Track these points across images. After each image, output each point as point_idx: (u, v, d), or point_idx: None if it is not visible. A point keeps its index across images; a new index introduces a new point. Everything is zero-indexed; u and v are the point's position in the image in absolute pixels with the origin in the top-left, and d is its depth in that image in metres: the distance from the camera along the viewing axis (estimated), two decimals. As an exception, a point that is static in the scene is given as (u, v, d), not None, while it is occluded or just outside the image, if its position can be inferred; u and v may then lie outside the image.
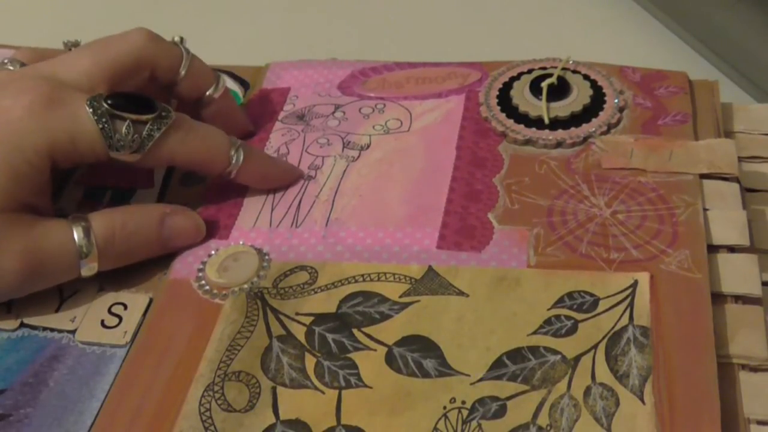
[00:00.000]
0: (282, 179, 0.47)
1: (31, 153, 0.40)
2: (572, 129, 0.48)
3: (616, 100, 0.49)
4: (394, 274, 0.42)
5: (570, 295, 0.40)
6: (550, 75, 0.50)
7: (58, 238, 0.41)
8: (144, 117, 0.42)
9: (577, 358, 0.38)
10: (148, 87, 0.46)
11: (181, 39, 0.48)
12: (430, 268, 0.42)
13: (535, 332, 0.39)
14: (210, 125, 0.46)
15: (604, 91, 0.50)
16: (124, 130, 0.42)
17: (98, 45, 0.45)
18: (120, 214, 0.43)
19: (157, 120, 0.42)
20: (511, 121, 0.49)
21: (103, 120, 0.41)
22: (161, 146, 0.43)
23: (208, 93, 0.48)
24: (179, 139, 0.43)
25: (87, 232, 0.41)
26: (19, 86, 0.41)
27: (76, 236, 0.41)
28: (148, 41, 0.45)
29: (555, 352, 0.38)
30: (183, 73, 0.47)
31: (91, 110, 0.41)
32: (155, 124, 0.42)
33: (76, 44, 0.48)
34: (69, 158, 0.42)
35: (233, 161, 0.45)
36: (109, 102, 0.42)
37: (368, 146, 0.49)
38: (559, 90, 0.50)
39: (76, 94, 0.42)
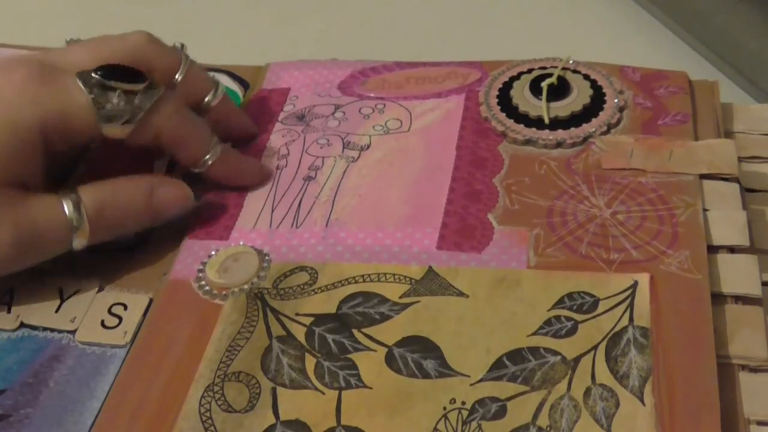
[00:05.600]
0: (252, 177, 0.48)
1: (22, 128, 0.40)
2: (572, 129, 0.48)
3: (616, 100, 0.49)
4: (394, 275, 0.42)
5: (570, 295, 0.40)
6: (550, 75, 0.50)
7: (48, 212, 0.41)
8: (135, 87, 0.42)
9: (577, 359, 0.38)
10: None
11: (182, 45, 0.48)
12: (430, 268, 0.42)
13: (535, 333, 0.39)
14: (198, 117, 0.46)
15: (604, 91, 0.50)
16: (115, 100, 0.42)
17: (96, 41, 0.45)
18: (109, 186, 0.43)
19: (147, 91, 0.42)
20: (511, 121, 0.49)
21: (95, 90, 0.41)
22: (150, 120, 0.43)
23: (206, 99, 0.48)
24: (167, 115, 0.43)
25: (77, 205, 0.41)
26: (10, 65, 0.42)
27: (66, 210, 0.41)
28: (147, 42, 0.45)
29: (555, 352, 0.38)
30: (179, 78, 0.46)
31: (81, 82, 0.41)
32: (145, 95, 0.42)
33: (76, 42, 0.48)
34: (61, 134, 0.42)
35: (212, 151, 0.45)
36: (99, 73, 0.42)
37: (368, 146, 0.49)
38: (559, 90, 0.50)
39: (66, 72, 0.42)
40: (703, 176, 0.45)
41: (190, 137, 0.45)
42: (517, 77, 0.52)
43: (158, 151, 0.46)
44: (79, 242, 0.42)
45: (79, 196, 0.42)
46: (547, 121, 0.49)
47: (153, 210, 0.44)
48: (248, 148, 0.50)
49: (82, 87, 0.41)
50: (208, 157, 0.45)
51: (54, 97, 0.41)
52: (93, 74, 0.42)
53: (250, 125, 0.51)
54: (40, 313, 0.42)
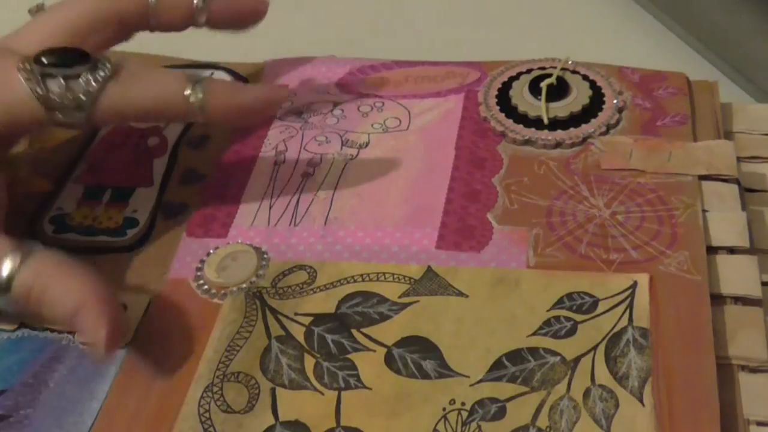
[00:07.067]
0: (261, 109, 0.44)
1: None
2: (571, 129, 0.48)
3: (615, 101, 0.49)
4: (393, 275, 0.42)
5: (569, 296, 0.40)
6: (550, 75, 0.50)
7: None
8: (75, 70, 0.39)
9: (576, 360, 0.38)
10: (125, 37, 0.45)
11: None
12: (430, 268, 0.42)
13: (534, 333, 0.39)
14: (160, 69, 0.43)
15: (603, 91, 0.50)
16: (56, 88, 0.39)
17: (53, 11, 0.43)
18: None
19: (91, 71, 0.40)
20: (510, 121, 0.49)
21: (34, 81, 0.39)
22: (104, 101, 0.40)
23: (195, 2, 0.45)
24: (120, 92, 0.40)
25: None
26: None
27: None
28: None
29: (554, 353, 0.38)
30: (155, 21, 0.44)
31: (21, 73, 0.39)
32: (90, 76, 0.39)
33: (41, 7, 0.45)
34: (6, 129, 0.40)
35: (191, 101, 0.41)
36: (40, 60, 0.39)
37: (367, 144, 0.49)
38: (559, 90, 0.50)
39: (9, 61, 0.40)
40: (702, 177, 0.45)
41: (158, 102, 0.41)
42: (517, 77, 0.52)
43: (160, 150, 0.45)
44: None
45: None
46: (546, 121, 0.48)
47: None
48: (245, 142, 0.50)
49: (21, 79, 0.39)
50: (191, 109, 0.41)
51: None
52: (33, 64, 0.39)
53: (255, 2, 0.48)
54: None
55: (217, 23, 0.47)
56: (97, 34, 0.44)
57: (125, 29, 0.46)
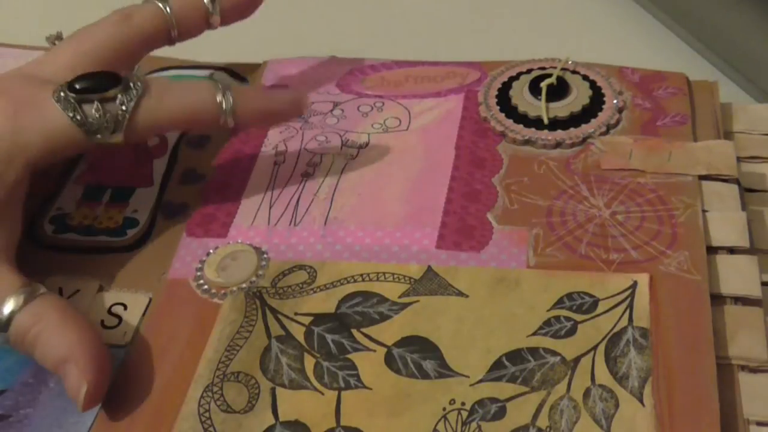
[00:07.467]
0: (287, 112, 0.46)
1: (1, 164, 0.40)
2: (571, 129, 0.48)
3: (615, 101, 0.49)
4: (393, 274, 0.42)
5: (569, 296, 0.40)
6: (550, 75, 0.50)
7: None
8: (110, 93, 0.41)
9: (576, 360, 0.38)
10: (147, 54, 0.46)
11: None
12: (430, 268, 0.42)
13: (534, 333, 0.39)
14: (187, 80, 0.45)
15: (603, 91, 0.50)
16: (94, 112, 0.41)
17: (76, 38, 0.45)
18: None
19: (125, 92, 0.41)
20: (510, 121, 0.49)
21: (71, 109, 0.41)
22: (139, 118, 0.41)
23: (206, 5, 0.47)
24: (155, 105, 0.42)
25: None
26: None
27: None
28: (119, 21, 0.45)
29: (554, 353, 0.38)
30: (175, 33, 0.46)
31: (57, 103, 0.41)
32: (125, 97, 0.41)
33: (59, 37, 0.47)
34: (48, 156, 0.41)
35: (224, 107, 0.43)
36: (74, 87, 0.41)
37: (367, 144, 0.49)
38: (559, 90, 0.50)
39: (43, 91, 0.41)
40: (702, 177, 0.45)
41: (192, 111, 0.43)
42: (517, 77, 0.52)
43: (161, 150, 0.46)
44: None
45: None
46: (546, 121, 0.48)
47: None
48: (245, 142, 0.50)
49: (59, 108, 0.41)
50: (223, 115, 0.43)
51: (33, 124, 0.40)
52: (67, 92, 0.41)
53: None
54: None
55: (227, 20, 0.48)
56: (121, 56, 0.45)
57: (148, 48, 0.47)
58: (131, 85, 0.42)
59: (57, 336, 0.37)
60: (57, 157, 0.42)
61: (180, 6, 0.46)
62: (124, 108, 0.41)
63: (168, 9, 0.46)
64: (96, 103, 0.41)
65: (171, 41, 0.47)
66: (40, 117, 0.41)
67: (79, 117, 0.41)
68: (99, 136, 0.41)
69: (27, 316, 0.38)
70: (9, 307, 0.38)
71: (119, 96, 0.41)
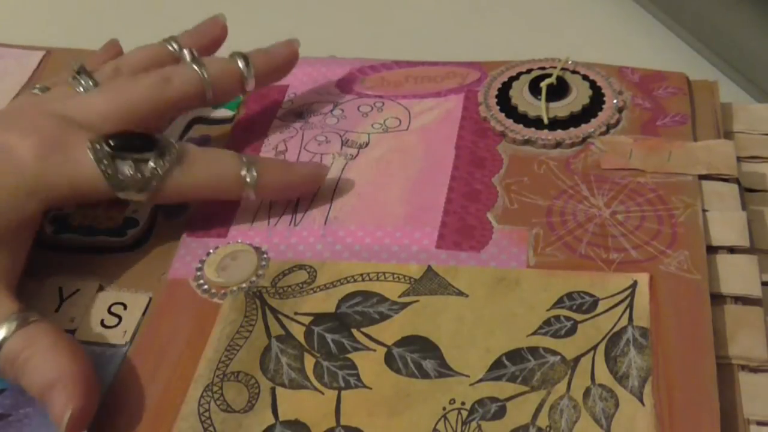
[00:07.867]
0: (306, 185, 0.46)
1: (23, 195, 0.40)
2: (571, 129, 0.48)
3: (615, 101, 0.49)
4: (393, 274, 0.42)
5: (569, 295, 0.40)
6: (549, 75, 0.50)
7: None
8: (145, 155, 0.42)
9: (576, 359, 0.38)
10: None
11: (192, 54, 0.48)
12: (430, 267, 0.42)
13: (534, 333, 0.39)
14: (217, 149, 0.45)
15: (603, 91, 0.50)
16: (126, 170, 0.41)
17: (116, 87, 0.45)
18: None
19: (159, 157, 0.42)
20: (510, 120, 0.49)
21: (104, 162, 0.41)
22: (168, 184, 0.42)
23: (242, 72, 0.47)
24: (184, 174, 0.42)
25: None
26: (27, 124, 0.42)
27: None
28: (161, 82, 0.45)
29: (554, 353, 0.38)
30: (210, 96, 0.47)
31: (92, 153, 0.41)
32: (158, 161, 0.42)
33: (82, 69, 0.46)
34: (68, 199, 0.42)
35: (247, 180, 0.43)
36: (111, 143, 0.41)
37: (367, 144, 0.49)
38: (559, 90, 0.50)
39: (78, 137, 0.41)
40: (702, 177, 0.45)
41: (216, 183, 0.44)
42: (517, 77, 0.52)
43: None
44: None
45: None
46: (546, 121, 0.48)
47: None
48: (246, 143, 0.50)
49: (92, 159, 0.41)
50: (246, 189, 0.44)
51: (62, 168, 0.41)
52: (104, 145, 0.41)
53: (283, 52, 0.50)
54: (40, 312, 0.42)
55: (262, 84, 0.49)
56: (156, 116, 0.46)
57: (183, 110, 0.49)
58: (166, 150, 0.42)
59: (45, 361, 0.37)
60: (75, 201, 0.43)
61: (217, 70, 0.47)
62: (156, 172, 0.42)
63: (206, 74, 0.46)
64: (130, 162, 0.41)
65: (206, 104, 0.48)
66: (70, 162, 0.41)
67: (110, 171, 0.41)
68: (124, 192, 0.42)
69: (18, 341, 0.37)
70: (1, 333, 0.37)
71: (153, 160, 0.42)
